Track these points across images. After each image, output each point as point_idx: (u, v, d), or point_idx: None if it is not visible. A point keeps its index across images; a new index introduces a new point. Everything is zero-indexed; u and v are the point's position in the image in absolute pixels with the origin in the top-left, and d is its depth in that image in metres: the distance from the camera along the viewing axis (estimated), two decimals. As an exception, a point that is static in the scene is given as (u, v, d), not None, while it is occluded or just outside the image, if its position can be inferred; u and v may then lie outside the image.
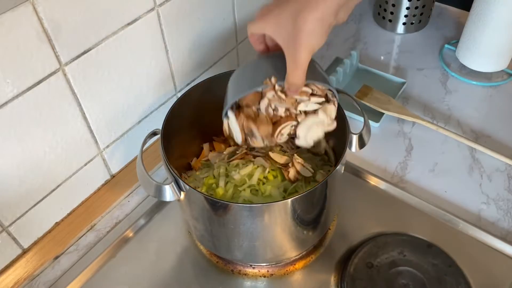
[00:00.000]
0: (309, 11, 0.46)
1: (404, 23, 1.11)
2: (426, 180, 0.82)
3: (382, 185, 0.81)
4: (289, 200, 0.57)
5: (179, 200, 0.61)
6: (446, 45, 1.08)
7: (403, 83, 0.99)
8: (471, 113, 0.94)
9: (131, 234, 0.77)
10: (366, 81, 1.01)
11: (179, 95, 0.84)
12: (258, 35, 0.55)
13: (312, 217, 0.65)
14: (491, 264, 0.70)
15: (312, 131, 0.59)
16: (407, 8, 1.08)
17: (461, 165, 0.84)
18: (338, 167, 0.60)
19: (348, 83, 1.01)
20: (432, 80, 1.02)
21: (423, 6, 1.08)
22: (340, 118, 0.67)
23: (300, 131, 0.58)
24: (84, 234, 0.77)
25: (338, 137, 0.69)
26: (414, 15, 1.09)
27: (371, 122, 0.92)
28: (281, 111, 0.57)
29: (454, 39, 1.09)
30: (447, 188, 0.80)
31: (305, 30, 0.47)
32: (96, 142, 0.73)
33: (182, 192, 0.60)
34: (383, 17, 1.12)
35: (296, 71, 0.51)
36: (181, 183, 0.59)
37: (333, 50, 1.09)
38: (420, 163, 0.85)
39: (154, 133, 0.65)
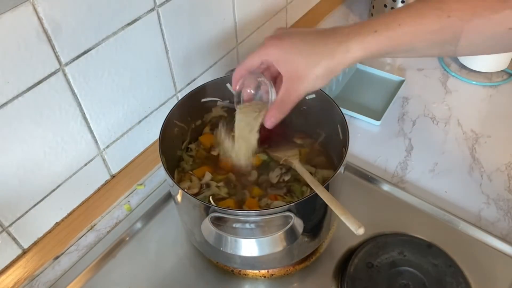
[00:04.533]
0: (326, 59, 0.49)
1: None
2: (426, 180, 0.82)
3: (382, 185, 0.81)
4: (289, 205, 0.57)
5: (176, 204, 0.61)
6: (446, 45, 1.08)
7: (402, 81, 0.99)
8: (471, 113, 0.94)
9: (131, 235, 0.77)
10: (365, 80, 1.01)
11: (179, 95, 0.84)
12: (252, 65, 0.56)
13: (313, 224, 0.65)
14: (491, 264, 0.70)
15: None
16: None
17: (461, 165, 0.84)
18: (338, 172, 0.60)
19: (347, 82, 1.01)
20: (432, 80, 1.02)
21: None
22: (339, 117, 0.67)
23: None
24: (84, 234, 0.77)
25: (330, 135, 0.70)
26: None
27: (372, 121, 0.92)
28: None
29: (454, 39, 1.09)
30: (447, 188, 0.80)
31: (315, 73, 0.50)
32: (96, 142, 0.73)
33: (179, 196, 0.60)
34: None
35: (287, 103, 0.53)
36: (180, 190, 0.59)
37: (333, 50, 1.09)
38: (420, 163, 0.85)
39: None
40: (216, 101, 0.77)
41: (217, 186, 0.72)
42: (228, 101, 0.78)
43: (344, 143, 0.65)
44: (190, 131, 0.77)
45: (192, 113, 0.76)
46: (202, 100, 0.75)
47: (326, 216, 0.65)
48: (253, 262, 0.67)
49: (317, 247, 0.72)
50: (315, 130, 0.77)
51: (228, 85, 0.74)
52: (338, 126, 0.68)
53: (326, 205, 0.57)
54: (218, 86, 0.74)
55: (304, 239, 0.64)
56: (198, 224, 0.60)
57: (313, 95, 0.73)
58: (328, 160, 0.76)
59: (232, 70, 0.82)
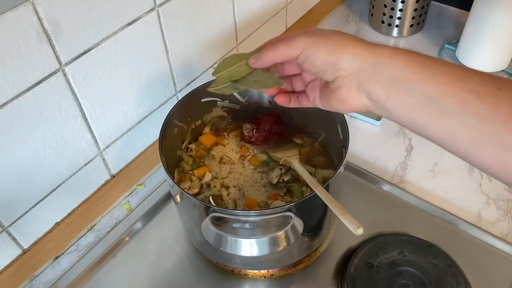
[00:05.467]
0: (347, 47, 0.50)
1: (397, 26, 1.11)
2: (426, 180, 0.82)
3: (382, 185, 0.81)
4: (289, 205, 0.57)
5: (176, 204, 0.61)
6: (446, 45, 1.08)
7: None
8: (471, 113, 0.94)
9: (131, 234, 0.77)
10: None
11: (179, 95, 0.84)
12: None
13: (313, 224, 0.65)
14: (491, 264, 0.70)
15: None
16: (400, 10, 1.08)
17: (461, 165, 0.84)
18: (338, 172, 0.60)
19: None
20: (432, 80, 1.02)
21: (422, 7, 1.08)
22: (339, 117, 0.67)
23: None
24: (84, 234, 0.77)
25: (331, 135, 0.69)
26: (413, 17, 1.09)
27: (372, 121, 0.92)
28: None
29: (454, 39, 1.09)
30: (447, 188, 0.80)
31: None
32: (96, 142, 0.73)
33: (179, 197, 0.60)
34: (382, 21, 1.12)
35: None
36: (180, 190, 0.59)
37: (333, 50, 1.09)
38: (420, 163, 0.85)
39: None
40: (216, 101, 0.77)
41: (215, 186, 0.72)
42: (228, 101, 0.78)
43: (344, 143, 0.65)
44: (190, 131, 0.77)
45: (192, 113, 0.76)
46: (202, 100, 0.75)
47: (326, 216, 0.65)
48: (253, 262, 0.67)
49: (317, 247, 0.72)
50: (315, 130, 0.78)
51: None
52: (338, 126, 0.69)
53: (326, 205, 0.57)
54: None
55: (304, 239, 0.64)
56: (198, 224, 0.60)
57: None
58: (328, 160, 0.76)
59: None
